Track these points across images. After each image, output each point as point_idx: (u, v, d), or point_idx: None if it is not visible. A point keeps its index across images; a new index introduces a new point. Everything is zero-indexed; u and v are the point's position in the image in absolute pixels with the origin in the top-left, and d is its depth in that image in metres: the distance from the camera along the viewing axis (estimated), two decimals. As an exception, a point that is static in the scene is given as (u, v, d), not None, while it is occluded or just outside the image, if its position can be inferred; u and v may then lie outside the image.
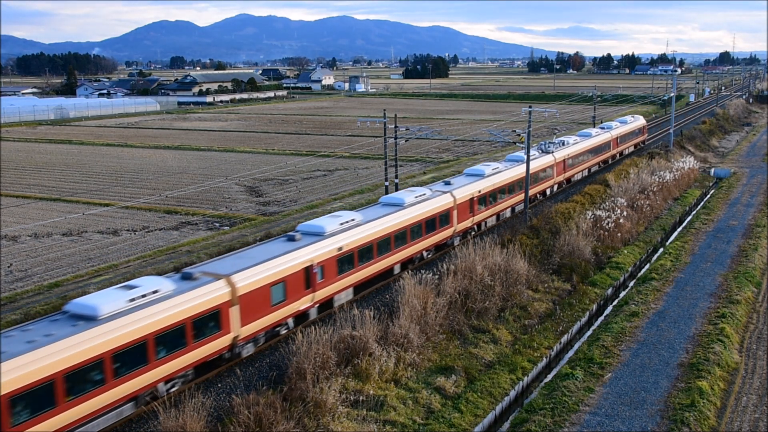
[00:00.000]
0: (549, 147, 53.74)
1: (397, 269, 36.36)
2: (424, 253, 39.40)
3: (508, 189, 48.07)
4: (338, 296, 31.82)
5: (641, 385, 26.53)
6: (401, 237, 35.54)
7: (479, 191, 43.89)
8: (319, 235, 30.93)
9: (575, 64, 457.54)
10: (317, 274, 29.53)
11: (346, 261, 31.41)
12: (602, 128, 73.00)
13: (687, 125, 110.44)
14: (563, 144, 59.36)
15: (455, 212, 41.06)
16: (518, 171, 49.27)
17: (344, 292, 32.16)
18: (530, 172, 47.56)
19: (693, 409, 24.40)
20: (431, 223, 38.49)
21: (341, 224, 32.48)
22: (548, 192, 56.81)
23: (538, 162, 52.71)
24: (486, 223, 45.96)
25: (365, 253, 32.68)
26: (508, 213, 49.29)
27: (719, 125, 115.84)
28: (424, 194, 39.55)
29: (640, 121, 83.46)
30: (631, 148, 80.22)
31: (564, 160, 58.20)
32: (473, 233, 44.16)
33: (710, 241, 46.99)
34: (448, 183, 43.98)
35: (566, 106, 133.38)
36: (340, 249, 31.00)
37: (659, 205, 56.10)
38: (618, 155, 73.66)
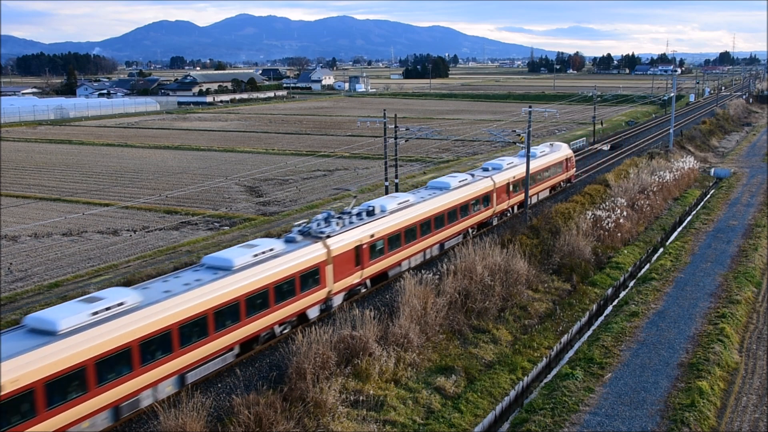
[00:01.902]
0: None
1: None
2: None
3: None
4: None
5: (641, 385, 26.52)
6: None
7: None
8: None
9: (575, 64, 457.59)
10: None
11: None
12: (485, 169, 48.72)
13: (687, 125, 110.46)
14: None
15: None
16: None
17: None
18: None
19: (693, 409, 24.39)
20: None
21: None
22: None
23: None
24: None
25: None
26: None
27: (719, 125, 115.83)
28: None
29: (561, 152, 58.66)
30: (546, 192, 56.59)
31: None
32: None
33: (710, 241, 46.98)
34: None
35: (566, 106, 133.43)
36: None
37: (659, 205, 56.09)
38: (509, 210, 50.05)
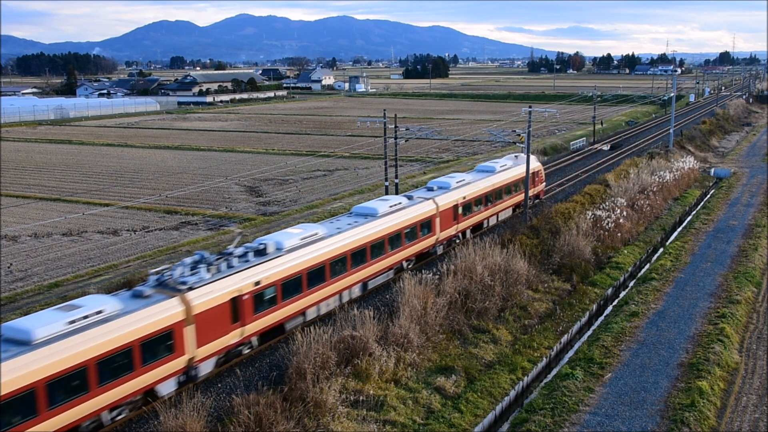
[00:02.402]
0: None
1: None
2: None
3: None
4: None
5: (641, 385, 26.52)
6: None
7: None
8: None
9: (575, 64, 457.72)
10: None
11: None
12: (429, 189, 41.97)
13: (687, 125, 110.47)
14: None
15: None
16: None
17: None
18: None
19: (693, 409, 24.40)
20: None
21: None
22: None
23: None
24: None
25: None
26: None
27: (719, 125, 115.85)
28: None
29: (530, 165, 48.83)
30: (507, 212, 49.39)
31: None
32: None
33: (710, 241, 46.98)
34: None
35: (566, 106, 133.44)
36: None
37: (659, 205, 56.09)
38: (458, 236, 43.01)
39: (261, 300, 26.95)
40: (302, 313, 29.78)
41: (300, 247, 29.50)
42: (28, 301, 33.53)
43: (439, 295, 31.60)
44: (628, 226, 48.39)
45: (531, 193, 50.45)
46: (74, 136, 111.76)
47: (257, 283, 26.64)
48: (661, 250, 46.33)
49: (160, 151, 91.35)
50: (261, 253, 28.06)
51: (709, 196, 63.50)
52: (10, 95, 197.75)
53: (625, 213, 49.44)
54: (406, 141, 59.34)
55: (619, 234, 46.53)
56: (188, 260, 25.72)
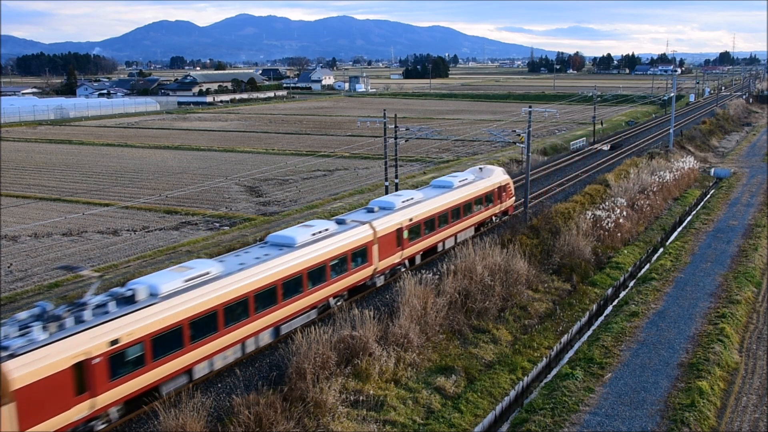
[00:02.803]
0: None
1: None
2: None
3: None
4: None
5: (641, 385, 26.53)
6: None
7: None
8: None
9: (575, 64, 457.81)
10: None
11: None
12: (369, 210, 36.38)
13: (687, 125, 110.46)
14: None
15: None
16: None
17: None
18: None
19: (693, 409, 24.40)
20: None
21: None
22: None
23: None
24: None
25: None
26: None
27: (719, 125, 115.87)
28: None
29: (491, 179, 45.80)
30: (468, 233, 43.21)
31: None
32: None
33: (710, 241, 46.98)
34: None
35: (566, 106, 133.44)
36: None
37: (659, 205, 56.10)
38: (403, 264, 37.12)
39: (121, 362, 21.88)
40: (187, 371, 24.64)
41: (184, 290, 24.23)
42: (28, 301, 33.53)
43: (439, 295, 31.60)
44: (628, 226, 48.39)
45: (497, 209, 46.34)
46: (74, 136, 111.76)
47: (114, 342, 21.51)
48: (661, 250, 46.33)
49: (160, 151, 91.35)
50: (127, 301, 23.00)
51: (709, 196, 63.50)
52: (10, 95, 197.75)
53: (625, 213, 49.44)
54: (406, 141, 59.35)
55: (619, 234, 46.54)
56: (23, 315, 21.13)
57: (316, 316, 30.59)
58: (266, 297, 27.03)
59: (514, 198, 49.67)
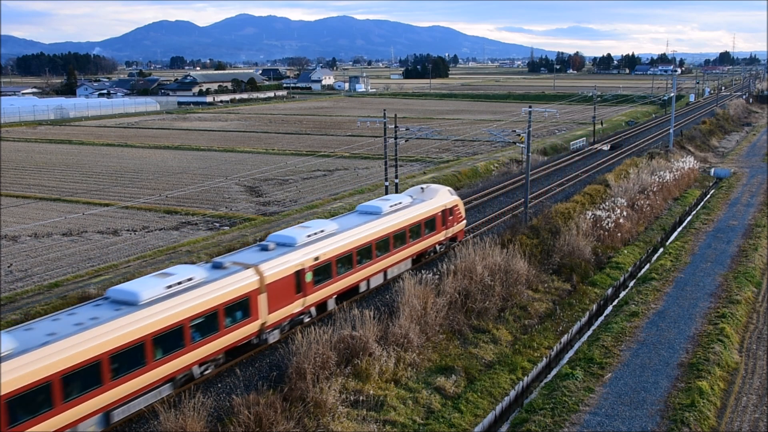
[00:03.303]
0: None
1: None
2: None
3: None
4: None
5: (641, 385, 26.53)
6: None
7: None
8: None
9: (575, 64, 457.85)
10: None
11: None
12: (263, 248, 29.69)
13: (687, 125, 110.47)
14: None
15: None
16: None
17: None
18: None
19: (693, 409, 24.40)
20: None
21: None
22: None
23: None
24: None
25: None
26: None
27: (719, 125, 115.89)
28: None
29: (435, 201, 39.35)
30: (401, 266, 36.55)
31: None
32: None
33: (710, 241, 46.98)
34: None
35: (566, 106, 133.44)
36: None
37: (659, 205, 56.10)
38: (305, 313, 30.39)
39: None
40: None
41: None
42: (28, 301, 33.53)
43: (439, 295, 31.60)
44: (628, 226, 48.40)
45: (442, 236, 39.82)
46: (74, 136, 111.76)
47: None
48: (661, 250, 46.33)
49: (160, 151, 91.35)
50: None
51: (709, 196, 63.50)
52: (10, 95, 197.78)
53: (625, 213, 49.45)
54: (406, 141, 59.36)
55: (619, 234, 46.54)
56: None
57: (173, 391, 24.26)
58: (87, 375, 20.87)
59: (464, 222, 42.99)
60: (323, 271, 30.44)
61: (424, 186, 41.49)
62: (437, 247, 40.31)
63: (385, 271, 35.21)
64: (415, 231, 36.93)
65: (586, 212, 48.03)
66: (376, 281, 34.85)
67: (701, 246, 45.85)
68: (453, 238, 41.68)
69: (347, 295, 32.79)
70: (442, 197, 40.11)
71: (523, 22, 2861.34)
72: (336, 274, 31.24)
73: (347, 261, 31.83)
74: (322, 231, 31.57)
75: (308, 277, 29.45)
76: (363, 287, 33.86)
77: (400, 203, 37.46)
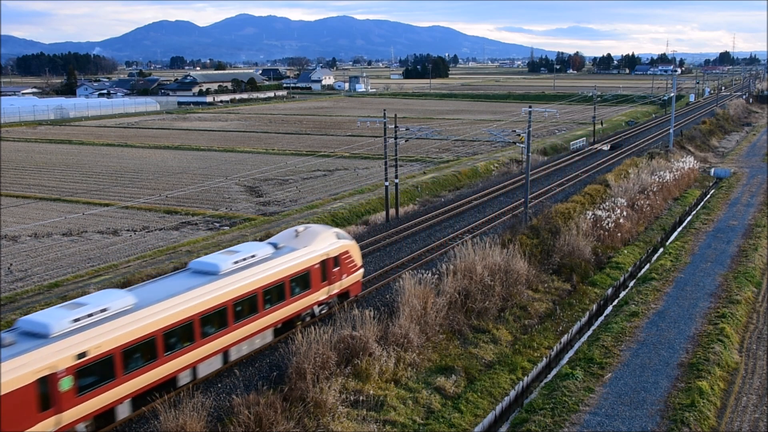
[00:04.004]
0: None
1: None
2: None
3: None
4: None
5: (641, 385, 26.53)
6: None
7: None
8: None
9: (575, 64, 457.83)
10: None
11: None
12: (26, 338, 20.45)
13: (687, 125, 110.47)
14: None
15: None
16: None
17: None
18: None
19: (693, 409, 24.41)
20: None
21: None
22: None
23: None
24: None
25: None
26: None
27: (719, 125, 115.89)
28: None
29: (313, 249, 30.28)
30: (262, 337, 28.06)
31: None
32: None
33: (710, 241, 46.98)
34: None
35: (566, 106, 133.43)
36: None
37: (659, 205, 56.10)
38: (118, 405, 22.24)
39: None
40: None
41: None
42: (28, 301, 33.53)
43: (439, 295, 31.59)
44: (628, 226, 48.40)
45: (324, 294, 30.62)
46: (74, 136, 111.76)
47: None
48: (661, 250, 46.33)
49: (160, 151, 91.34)
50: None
51: (709, 196, 63.51)
52: (10, 95, 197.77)
53: (625, 213, 49.44)
54: (406, 141, 59.38)
55: (619, 234, 46.54)
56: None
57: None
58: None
59: (361, 271, 33.58)
60: (102, 370, 21.33)
61: (300, 228, 31.56)
62: (316, 309, 30.81)
63: (225, 351, 26.24)
64: (275, 292, 27.85)
65: (586, 212, 48.03)
66: (208, 368, 25.73)
67: (701, 246, 45.85)
68: (343, 294, 32.47)
69: (165, 386, 23.90)
70: (324, 242, 30.84)
71: (523, 22, 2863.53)
72: (125, 371, 22.05)
73: (150, 348, 22.87)
74: (103, 310, 22.00)
75: (66, 383, 20.24)
76: (184, 380, 24.75)
77: (254, 256, 27.96)
